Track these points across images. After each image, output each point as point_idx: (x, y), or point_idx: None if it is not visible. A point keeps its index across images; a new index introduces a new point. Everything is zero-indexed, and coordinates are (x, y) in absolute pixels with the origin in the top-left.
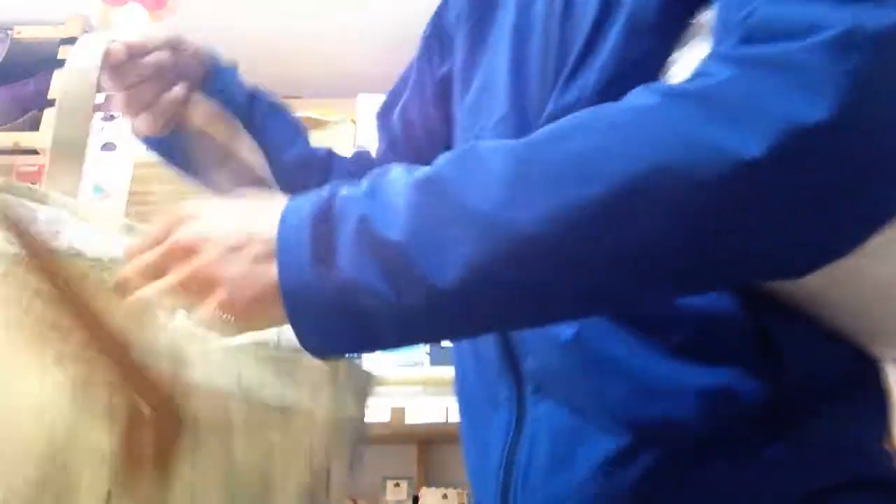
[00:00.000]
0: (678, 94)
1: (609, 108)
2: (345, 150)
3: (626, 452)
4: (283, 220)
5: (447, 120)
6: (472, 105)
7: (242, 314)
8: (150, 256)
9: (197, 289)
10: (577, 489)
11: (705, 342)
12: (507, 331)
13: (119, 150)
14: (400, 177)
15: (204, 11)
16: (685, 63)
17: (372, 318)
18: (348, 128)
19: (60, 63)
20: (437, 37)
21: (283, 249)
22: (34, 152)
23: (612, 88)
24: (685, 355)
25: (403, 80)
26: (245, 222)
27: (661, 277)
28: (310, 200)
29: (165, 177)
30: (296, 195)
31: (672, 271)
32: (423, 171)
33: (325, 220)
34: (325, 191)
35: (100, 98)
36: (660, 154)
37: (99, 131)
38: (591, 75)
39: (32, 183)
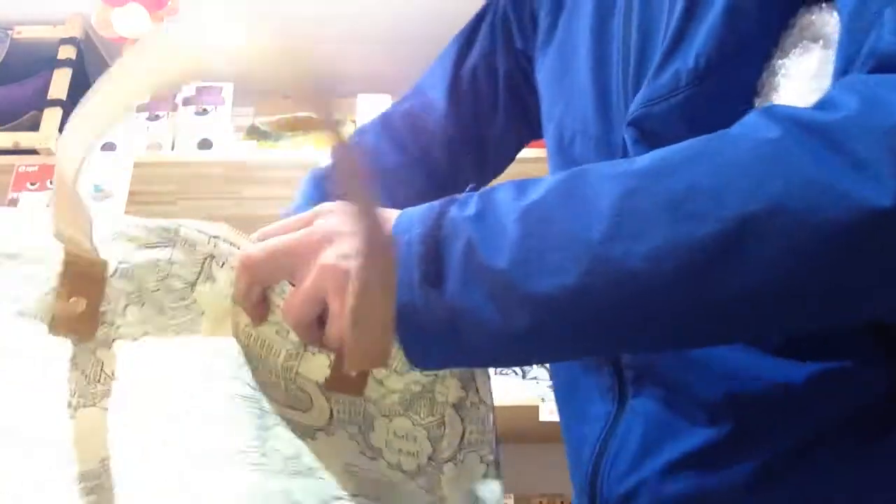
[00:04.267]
0: (802, 127)
1: (726, 138)
2: None
3: (720, 446)
4: (394, 235)
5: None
6: (551, 77)
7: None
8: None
9: (324, 279)
10: (661, 479)
11: (813, 341)
12: (606, 354)
13: (119, 150)
14: (507, 199)
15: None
16: (798, 74)
17: (475, 339)
18: (348, 128)
19: (60, 63)
20: (518, 9)
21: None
22: (34, 152)
23: (710, 78)
24: (791, 355)
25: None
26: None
27: (766, 321)
28: (421, 216)
29: (165, 177)
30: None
31: (779, 315)
32: (530, 193)
33: (434, 240)
34: (436, 206)
35: None
36: (778, 194)
37: None
38: (688, 61)
39: (31, 183)
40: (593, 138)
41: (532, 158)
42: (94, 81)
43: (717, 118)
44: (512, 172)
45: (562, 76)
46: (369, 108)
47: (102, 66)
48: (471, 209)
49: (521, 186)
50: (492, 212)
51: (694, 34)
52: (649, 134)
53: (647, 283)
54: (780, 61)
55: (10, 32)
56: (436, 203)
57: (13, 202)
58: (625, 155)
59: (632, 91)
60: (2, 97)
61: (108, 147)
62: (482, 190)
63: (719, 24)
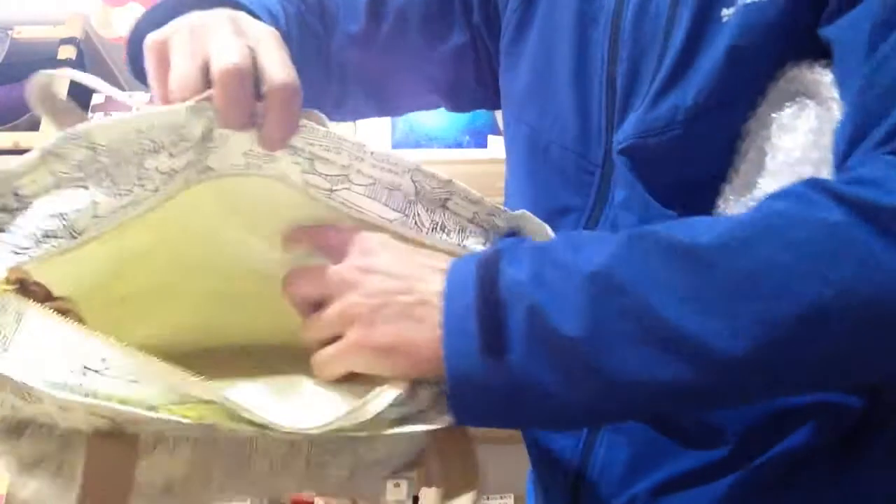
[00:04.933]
0: (860, 211)
1: (788, 217)
2: None
3: (712, 467)
4: (448, 297)
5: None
6: (526, 80)
7: (381, 359)
8: (309, 280)
9: (343, 320)
10: (651, 498)
11: None
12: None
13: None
14: (565, 260)
15: None
16: (796, 128)
17: (536, 408)
18: (348, 127)
19: (60, 63)
20: None
21: (451, 332)
22: None
23: (709, 115)
24: None
25: None
26: (411, 271)
27: (836, 384)
28: (473, 274)
29: None
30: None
31: (846, 377)
32: (590, 254)
33: (492, 305)
34: (484, 262)
35: (99, 98)
36: (850, 278)
37: None
38: (686, 98)
39: None
40: (572, 152)
41: None
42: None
43: (705, 155)
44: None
45: (537, 82)
46: None
47: (102, 66)
48: (524, 269)
49: (574, 244)
50: (551, 273)
51: (693, 71)
52: (641, 164)
53: (723, 359)
54: (773, 114)
55: (10, 32)
56: (481, 256)
57: None
58: (604, 174)
59: (618, 115)
60: (2, 97)
61: None
62: (528, 242)
63: (721, 66)
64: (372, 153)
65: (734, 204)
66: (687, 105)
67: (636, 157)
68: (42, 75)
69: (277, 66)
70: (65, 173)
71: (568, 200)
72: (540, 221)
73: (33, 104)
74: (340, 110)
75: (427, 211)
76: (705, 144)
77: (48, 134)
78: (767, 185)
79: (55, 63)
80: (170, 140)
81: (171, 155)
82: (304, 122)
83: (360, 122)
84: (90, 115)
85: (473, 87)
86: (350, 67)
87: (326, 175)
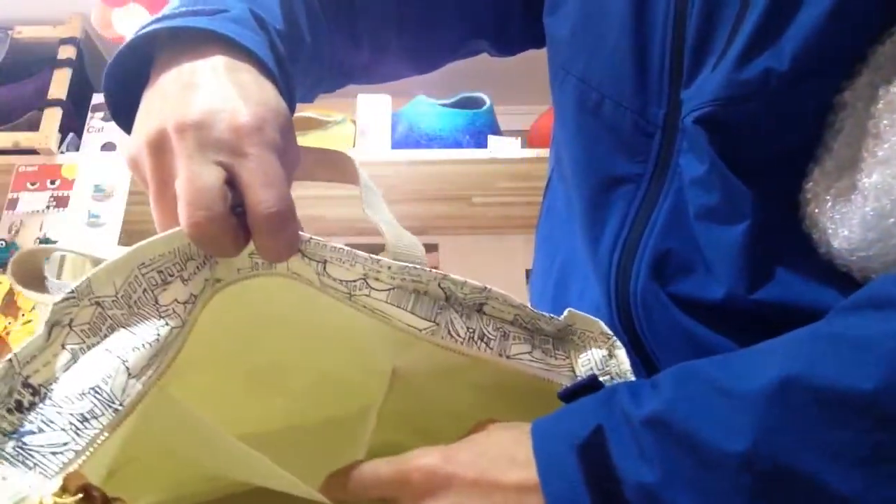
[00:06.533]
0: None
1: None
2: (344, 150)
3: None
4: None
5: None
6: (572, 32)
7: None
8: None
9: None
10: None
11: None
12: None
13: (119, 150)
14: (703, 441)
15: None
16: None
17: None
18: (348, 128)
19: (60, 63)
20: None
21: None
22: (34, 152)
23: (806, 82)
24: None
25: None
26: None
27: None
28: (582, 485)
29: None
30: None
31: None
32: (731, 428)
33: None
34: (593, 462)
35: (100, 98)
36: None
37: (99, 131)
38: (781, 61)
39: (31, 183)
40: (629, 110)
41: (532, 158)
42: (95, 81)
43: (794, 128)
44: (512, 172)
45: (585, 23)
46: (369, 107)
47: (102, 66)
48: (648, 461)
49: (697, 408)
50: (687, 464)
51: (789, 27)
52: (722, 135)
53: None
54: (881, 88)
55: (10, 32)
56: (577, 442)
57: (13, 202)
58: (666, 137)
59: (687, 66)
60: (2, 97)
61: (108, 147)
62: (626, 403)
63: (824, 27)
64: (389, 267)
65: (828, 192)
66: (782, 70)
67: (717, 127)
68: (24, 252)
69: (259, 190)
70: (78, 343)
71: (623, 167)
72: (590, 318)
73: (11, 278)
74: (369, 74)
75: (462, 317)
76: (796, 116)
77: (48, 134)
78: (874, 175)
79: (55, 63)
80: (175, 264)
81: (184, 280)
82: (307, 236)
83: (360, 124)
84: (90, 115)
85: (521, 21)
86: (386, 35)
87: (342, 280)
